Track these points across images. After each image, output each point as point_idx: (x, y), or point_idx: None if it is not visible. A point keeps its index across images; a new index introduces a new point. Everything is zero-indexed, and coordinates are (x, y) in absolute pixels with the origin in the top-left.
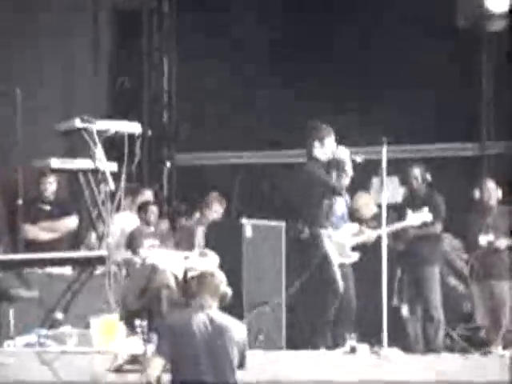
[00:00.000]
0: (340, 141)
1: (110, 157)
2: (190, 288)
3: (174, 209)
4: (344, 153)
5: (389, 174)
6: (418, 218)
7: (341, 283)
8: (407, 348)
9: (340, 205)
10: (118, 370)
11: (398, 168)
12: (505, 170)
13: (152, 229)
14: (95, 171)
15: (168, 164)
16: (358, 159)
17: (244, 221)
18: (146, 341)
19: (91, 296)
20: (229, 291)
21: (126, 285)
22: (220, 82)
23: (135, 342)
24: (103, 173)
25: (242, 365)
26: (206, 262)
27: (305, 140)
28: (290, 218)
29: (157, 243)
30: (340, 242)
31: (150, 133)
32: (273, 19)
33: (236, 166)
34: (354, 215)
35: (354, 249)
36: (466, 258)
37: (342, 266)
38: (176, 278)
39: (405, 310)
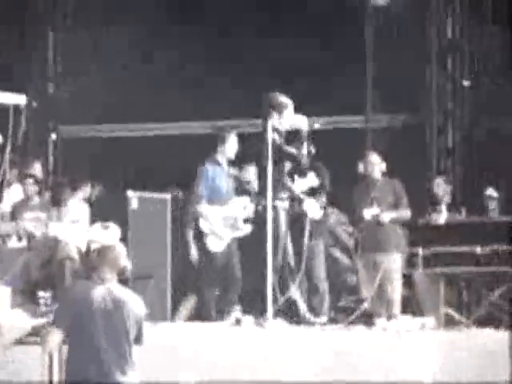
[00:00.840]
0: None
1: None
2: (91, 261)
3: (56, 182)
4: (301, 121)
5: None
6: (304, 183)
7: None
8: (292, 319)
9: (225, 179)
10: (19, 342)
11: None
12: (389, 143)
13: (36, 201)
14: None
15: (53, 136)
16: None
17: (129, 193)
18: (49, 312)
19: None
20: (128, 264)
21: (27, 256)
22: (106, 53)
23: (20, 314)
24: None
25: (139, 340)
26: (108, 234)
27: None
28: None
29: (42, 215)
30: (231, 215)
31: (34, 104)
32: None
33: (122, 139)
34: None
35: (245, 221)
36: (351, 231)
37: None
38: (79, 250)
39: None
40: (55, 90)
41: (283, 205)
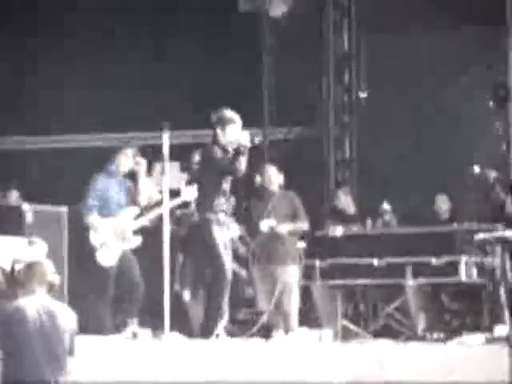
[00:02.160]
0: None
1: None
2: (19, 279)
3: None
4: (244, 137)
5: (170, 159)
6: (191, 191)
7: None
8: (189, 332)
9: (117, 191)
10: None
11: (179, 154)
12: (286, 155)
13: None
14: None
15: None
16: (257, 141)
17: (24, 206)
18: None
19: None
20: (56, 279)
21: None
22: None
23: None
24: None
25: (72, 351)
26: (34, 250)
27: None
28: None
29: None
30: (120, 227)
31: None
32: None
33: (19, 151)
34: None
35: (135, 233)
36: (248, 243)
37: (124, 251)
38: (3, 270)
39: (187, 295)
40: None
41: (216, 217)
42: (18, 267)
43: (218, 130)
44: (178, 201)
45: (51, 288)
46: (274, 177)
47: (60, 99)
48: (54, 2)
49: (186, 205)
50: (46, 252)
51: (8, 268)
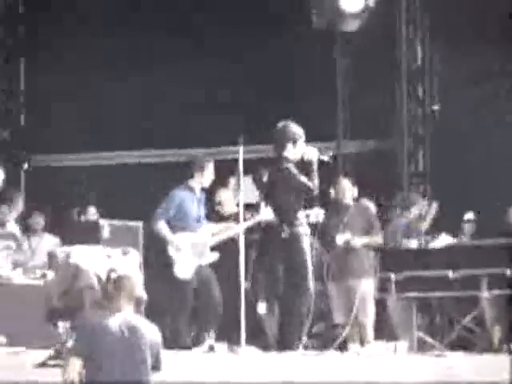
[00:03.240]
0: (197, 141)
1: None
2: (108, 291)
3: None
4: (312, 152)
5: (245, 173)
6: (269, 211)
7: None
8: (264, 346)
9: (196, 206)
10: (43, 364)
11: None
12: (360, 168)
13: (5, 230)
14: None
15: (25, 166)
16: (326, 158)
17: (101, 221)
18: (68, 340)
19: None
20: (144, 295)
21: (50, 283)
22: (78, 80)
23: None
24: None
25: (157, 367)
26: (128, 260)
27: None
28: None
29: (12, 244)
30: (199, 243)
31: (5, 134)
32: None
33: (93, 167)
34: (216, 212)
35: (212, 249)
36: (323, 257)
37: (201, 267)
38: (99, 278)
39: (261, 308)
40: (26, 120)
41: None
42: (113, 276)
43: (289, 145)
44: (255, 220)
45: (139, 304)
46: (347, 190)
47: (129, 114)
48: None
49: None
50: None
51: (104, 277)
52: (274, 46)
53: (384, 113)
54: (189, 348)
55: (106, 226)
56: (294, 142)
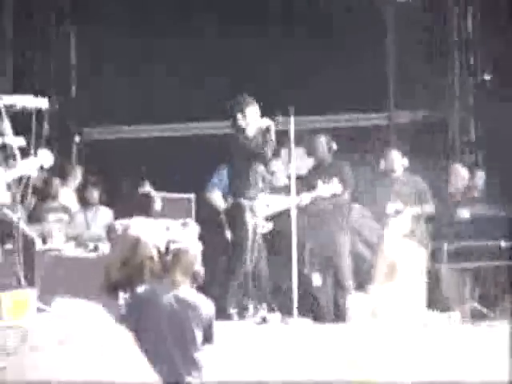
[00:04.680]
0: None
1: (17, 132)
2: (165, 263)
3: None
4: (267, 122)
5: (296, 145)
6: (327, 189)
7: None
8: (318, 317)
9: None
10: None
11: (304, 139)
12: (410, 139)
13: (58, 203)
14: (3, 147)
15: (77, 138)
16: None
17: (154, 194)
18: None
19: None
20: (201, 270)
21: (109, 256)
22: (129, 56)
23: (47, 318)
24: (11, 148)
25: (209, 340)
26: (188, 232)
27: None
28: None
29: (64, 217)
30: (255, 213)
31: (57, 107)
32: None
33: (144, 140)
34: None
35: (267, 219)
36: (375, 227)
37: (255, 236)
38: (158, 249)
39: (316, 279)
40: (78, 93)
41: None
42: (173, 247)
43: (238, 115)
44: (312, 195)
45: (196, 279)
46: (397, 161)
47: (181, 86)
48: None
49: None
50: (197, 234)
51: (163, 248)
52: (324, 16)
53: (435, 83)
54: (240, 318)
55: (158, 198)
56: (241, 111)
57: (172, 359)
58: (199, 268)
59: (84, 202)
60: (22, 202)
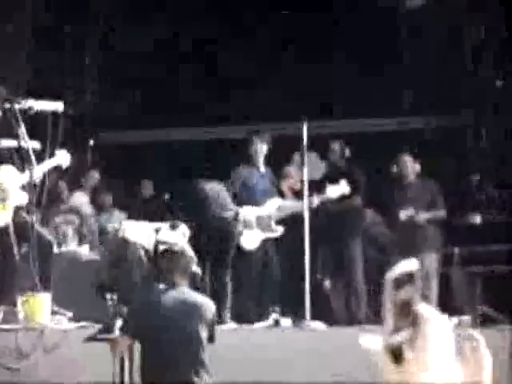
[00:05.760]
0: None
1: (32, 136)
2: (161, 264)
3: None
4: None
5: (309, 149)
6: (335, 190)
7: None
8: (330, 321)
9: (260, 181)
10: (91, 339)
11: (318, 144)
12: (423, 144)
13: (67, 205)
14: (19, 150)
15: (91, 142)
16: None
17: (167, 197)
18: (116, 314)
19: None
20: (198, 270)
21: (100, 257)
22: (143, 59)
23: (62, 320)
24: (27, 151)
25: (211, 339)
26: (177, 234)
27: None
28: None
29: (72, 218)
30: (264, 217)
31: (72, 111)
32: None
33: (159, 144)
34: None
35: (278, 223)
36: (387, 232)
37: (265, 241)
38: (146, 251)
39: (328, 283)
40: (93, 97)
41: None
42: (161, 248)
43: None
44: (324, 198)
45: (194, 279)
46: (410, 166)
47: (194, 91)
48: None
49: None
50: (188, 236)
51: (151, 249)
52: (339, 20)
53: (451, 88)
54: (252, 322)
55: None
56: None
57: (178, 361)
58: (196, 268)
59: (98, 206)
60: (37, 204)
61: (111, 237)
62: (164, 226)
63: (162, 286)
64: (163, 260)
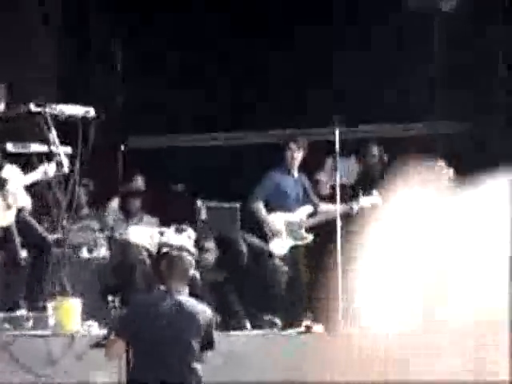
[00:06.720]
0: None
1: (63, 141)
2: (161, 271)
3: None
4: None
5: (344, 154)
6: (368, 200)
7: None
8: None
9: (293, 186)
10: (98, 345)
11: (354, 148)
12: (456, 149)
13: (86, 210)
14: (50, 155)
15: (122, 147)
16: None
17: (198, 203)
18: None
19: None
20: (197, 275)
21: (105, 261)
22: (171, 65)
23: (92, 325)
24: (58, 156)
25: (211, 345)
26: (182, 238)
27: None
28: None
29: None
30: (295, 223)
31: (103, 116)
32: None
33: (189, 149)
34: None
35: (308, 230)
36: None
37: (295, 247)
38: (150, 253)
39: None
40: (124, 101)
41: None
42: (165, 250)
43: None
44: (355, 206)
45: (192, 284)
46: (444, 171)
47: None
48: None
49: None
50: (193, 240)
51: (154, 251)
52: (372, 24)
53: (481, 93)
54: (280, 327)
55: (202, 207)
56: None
57: (170, 368)
58: (195, 273)
59: (127, 211)
60: (68, 209)
61: (115, 240)
62: (169, 229)
63: (160, 290)
64: (162, 263)
